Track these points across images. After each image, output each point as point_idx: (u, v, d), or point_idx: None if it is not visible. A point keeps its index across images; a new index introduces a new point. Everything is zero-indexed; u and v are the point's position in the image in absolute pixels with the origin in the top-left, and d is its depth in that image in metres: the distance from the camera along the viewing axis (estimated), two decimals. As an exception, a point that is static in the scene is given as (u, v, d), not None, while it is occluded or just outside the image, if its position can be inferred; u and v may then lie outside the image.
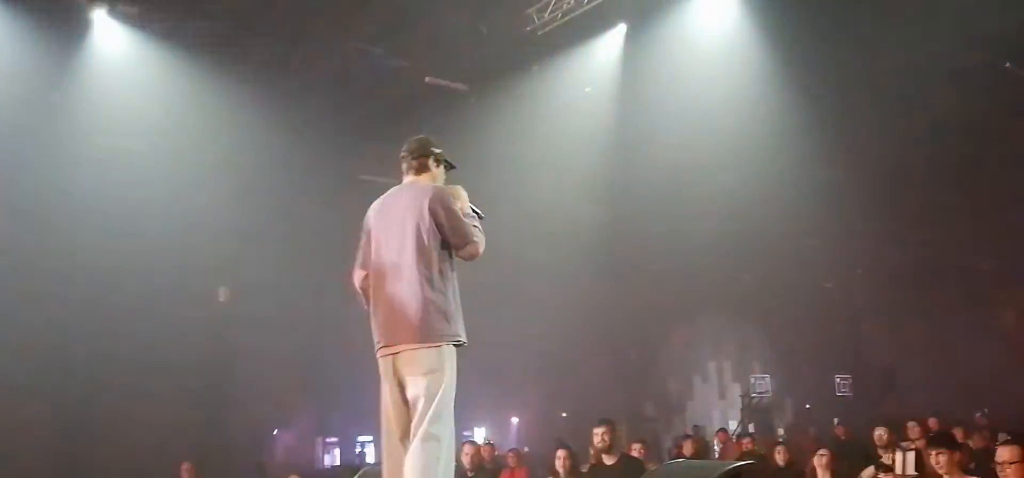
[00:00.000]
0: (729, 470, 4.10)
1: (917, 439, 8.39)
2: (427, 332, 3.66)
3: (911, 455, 6.25)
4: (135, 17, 10.68)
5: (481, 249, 3.95)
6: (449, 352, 3.73)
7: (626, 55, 12.33)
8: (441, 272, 3.77)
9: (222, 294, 12.38)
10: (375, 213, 3.89)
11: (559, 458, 7.20)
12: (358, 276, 3.87)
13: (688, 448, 9.70)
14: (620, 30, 12.14)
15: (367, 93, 12.46)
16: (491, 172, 13.62)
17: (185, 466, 10.22)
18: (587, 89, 12.82)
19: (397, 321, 3.67)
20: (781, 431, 15.35)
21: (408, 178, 3.97)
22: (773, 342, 18.24)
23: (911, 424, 9.44)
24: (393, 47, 11.67)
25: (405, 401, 3.68)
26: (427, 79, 12.26)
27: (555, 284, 15.64)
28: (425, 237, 3.73)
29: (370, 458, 13.50)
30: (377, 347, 3.74)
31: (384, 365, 3.73)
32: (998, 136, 12.52)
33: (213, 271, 13.10)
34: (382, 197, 3.96)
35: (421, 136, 4.09)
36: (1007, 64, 11.48)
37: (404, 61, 11.95)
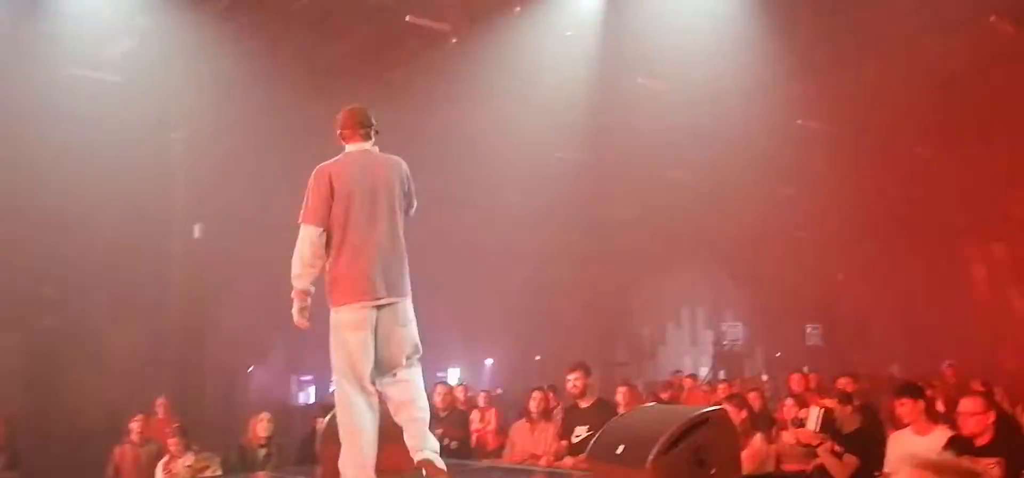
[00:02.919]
0: (700, 414, 4.16)
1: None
2: (407, 287, 4.30)
3: (817, 411, 6.38)
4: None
5: None
6: None
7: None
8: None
9: (197, 231, 12.27)
10: (343, 176, 4.19)
11: (534, 400, 7.31)
12: (317, 231, 4.15)
13: (666, 394, 9.84)
14: (605, -29, 12.03)
15: (346, 31, 12.25)
16: (469, 115, 13.54)
17: (160, 401, 10.22)
18: (569, 32, 12.70)
19: (386, 277, 4.17)
20: (765, 377, 15.59)
21: (366, 144, 4.40)
22: (745, 290, 18.45)
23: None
24: (373, -17, 11.46)
25: (373, 347, 4.21)
26: (408, 18, 12.05)
27: (530, 229, 15.67)
28: (398, 203, 4.29)
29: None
30: (360, 299, 4.12)
31: (363, 316, 4.13)
32: (978, 90, 12.58)
33: (188, 208, 12.99)
34: (343, 159, 4.30)
35: (362, 106, 4.56)
36: (991, 17, 11.48)
37: (385, -1, 11.75)
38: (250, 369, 14.83)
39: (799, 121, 14.62)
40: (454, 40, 12.71)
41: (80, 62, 11.43)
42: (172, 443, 7.83)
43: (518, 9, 12.25)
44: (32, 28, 10.64)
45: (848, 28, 11.73)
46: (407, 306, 4.30)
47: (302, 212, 4.22)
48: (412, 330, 4.31)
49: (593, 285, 17.73)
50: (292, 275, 4.18)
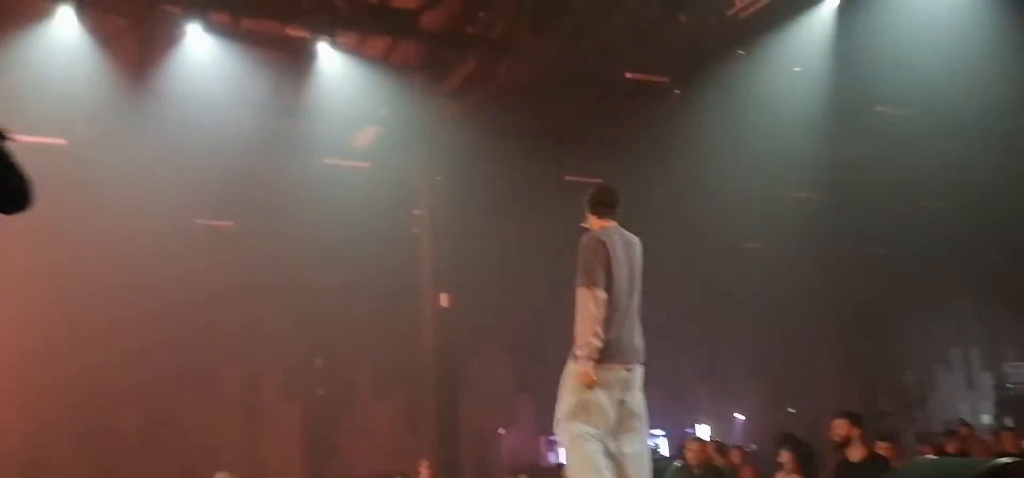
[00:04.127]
0: (991, 468, 3.68)
1: None
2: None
3: None
4: (352, 45, 11.42)
5: None
6: None
7: (839, 28, 11.57)
8: None
9: (443, 299, 12.92)
10: (612, 247, 4.47)
11: (783, 457, 6.90)
12: (604, 296, 4.37)
13: (952, 445, 8.91)
14: (832, 2, 11.42)
15: (569, 95, 12.54)
16: (699, 163, 13.29)
17: (424, 464, 10.72)
18: (796, 68, 12.16)
19: (636, 346, 4.50)
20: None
21: (614, 222, 4.64)
22: (1029, 325, 16.46)
23: None
24: (591, 46, 11.66)
25: (613, 407, 4.40)
26: (627, 75, 12.13)
27: (775, 275, 15.01)
28: (641, 280, 4.59)
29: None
30: (615, 361, 4.36)
31: (613, 377, 4.36)
32: None
33: (435, 278, 13.74)
34: (610, 232, 4.56)
35: (613, 185, 4.80)
36: None
37: (604, 59, 11.91)
38: (500, 431, 15.25)
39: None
40: (677, 91, 12.60)
41: (332, 153, 12.58)
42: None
43: (741, 52, 11.94)
44: (291, 127, 11.90)
45: None
46: (642, 375, 4.55)
47: (585, 278, 4.38)
48: (643, 396, 4.54)
49: (848, 329, 16.59)
50: (587, 337, 4.28)
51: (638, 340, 4.52)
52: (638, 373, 4.50)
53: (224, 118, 11.20)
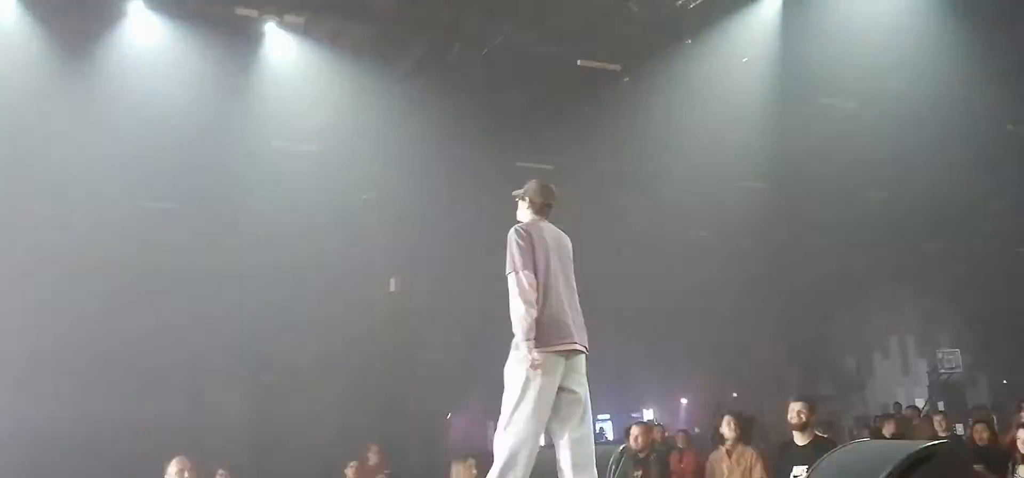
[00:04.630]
0: (922, 450, 3.82)
1: None
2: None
3: None
4: (301, 26, 11.25)
5: None
6: None
7: (785, 21, 11.80)
8: None
9: (393, 284, 12.87)
10: (539, 235, 4.50)
11: (727, 424, 7.04)
12: (532, 277, 4.39)
13: (889, 427, 9.22)
14: (778, -4, 11.63)
15: (520, 81, 12.55)
16: (648, 152, 13.43)
17: (373, 448, 10.64)
18: (744, 59, 12.36)
19: (580, 330, 4.48)
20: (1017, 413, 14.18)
21: (545, 220, 4.68)
22: (962, 313, 17.02)
23: None
24: (544, 33, 11.69)
25: (554, 392, 4.39)
26: (579, 62, 12.19)
27: (719, 263, 15.26)
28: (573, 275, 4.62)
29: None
30: (559, 344, 4.35)
31: (555, 362, 4.33)
32: None
33: (384, 262, 13.66)
34: (537, 224, 4.60)
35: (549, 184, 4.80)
36: None
37: (555, 46, 11.94)
38: (448, 416, 15.27)
39: (1009, 126, 13.43)
40: (626, 79, 12.70)
41: (280, 136, 12.40)
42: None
43: (689, 41, 12.09)
44: (240, 107, 11.68)
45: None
46: (585, 361, 4.54)
47: (512, 263, 4.40)
48: (586, 383, 4.53)
49: (790, 316, 16.97)
50: (519, 318, 4.29)
51: (577, 326, 4.47)
52: (580, 360, 4.47)
53: (168, 98, 10.95)
